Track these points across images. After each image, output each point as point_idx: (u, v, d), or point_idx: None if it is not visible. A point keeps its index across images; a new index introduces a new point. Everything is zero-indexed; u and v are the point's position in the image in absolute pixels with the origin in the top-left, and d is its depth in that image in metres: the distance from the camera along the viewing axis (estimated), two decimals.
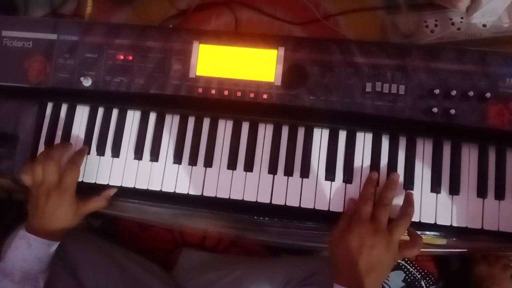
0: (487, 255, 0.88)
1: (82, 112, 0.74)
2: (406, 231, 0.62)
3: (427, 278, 0.91)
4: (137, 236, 1.04)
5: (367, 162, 0.68)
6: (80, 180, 0.70)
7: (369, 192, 0.64)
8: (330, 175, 0.68)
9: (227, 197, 0.69)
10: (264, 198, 0.68)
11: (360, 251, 0.57)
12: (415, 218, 0.64)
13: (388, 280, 0.92)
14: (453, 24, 0.76)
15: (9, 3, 0.92)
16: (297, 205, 0.67)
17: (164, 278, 0.88)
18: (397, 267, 0.92)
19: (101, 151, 0.72)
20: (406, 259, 0.93)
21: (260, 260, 0.92)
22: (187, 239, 1.03)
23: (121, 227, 1.05)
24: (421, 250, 0.69)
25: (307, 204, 0.67)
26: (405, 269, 0.92)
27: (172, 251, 1.02)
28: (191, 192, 0.70)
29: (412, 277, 0.91)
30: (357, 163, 0.68)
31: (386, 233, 0.59)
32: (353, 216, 0.62)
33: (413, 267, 0.92)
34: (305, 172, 0.68)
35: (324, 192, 0.67)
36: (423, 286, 0.91)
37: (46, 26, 0.74)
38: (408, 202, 0.64)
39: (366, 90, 0.67)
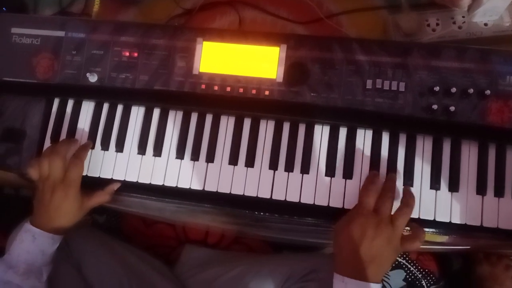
0: (489, 255, 0.88)
1: (87, 108, 0.76)
2: (408, 226, 0.62)
3: (428, 278, 0.91)
4: (141, 233, 1.05)
5: (367, 159, 0.68)
6: (84, 174, 0.72)
7: (371, 184, 0.64)
8: (330, 171, 0.68)
9: (228, 192, 0.70)
10: (264, 194, 0.69)
11: (361, 241, 0.57)
12: (414, 215, 0.64)
13: (388, 279, 0.92)
14: (454, 23, 0.76)
15: (19, 3, 0.94)
16: (297, 200, 0.68)
17: (166, 274, 0.88)
18: (398, 266, 0.92)
19: (105, 146, 0.74)
20: (407, 258, 0.93)
21: (262, 257, 0.93)
22: (189, 236, 1.04)
23: (126, 223, 1.06)
24: (421, 247, 0.69)
25: (307, 199, 0.68)
26: (406, 268, 0.92)
27: (175, 247, 1.03)
28: (193, 187, 0.71)
29: (413, 276, 0.91)
30: (357, 159, 0.68)
31: (389, 225, 0.59)
32: (356, 207, 0.62)
33: (414, 266, 0.92)
34: (305, 168, 0.69)
35: (324, 187, 0.68)
36: (424, 286, 0.91)
37: (54, 23, 0.76)
38: (409, 193, 0.64)
39: (367, 87, 0.68)
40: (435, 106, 0.66)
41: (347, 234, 0.59)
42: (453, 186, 0.66)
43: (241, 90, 0.70)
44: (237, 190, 0.69)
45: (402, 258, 0.94)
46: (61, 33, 0.76)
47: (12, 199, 1.12)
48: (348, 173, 0.68)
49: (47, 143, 0.76)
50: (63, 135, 0.75)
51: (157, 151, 0.72)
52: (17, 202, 1.11)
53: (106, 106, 0.75)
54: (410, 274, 0.92)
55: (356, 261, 0.57)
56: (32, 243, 0.66)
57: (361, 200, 0.62)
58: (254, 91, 0.70)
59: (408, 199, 0.62)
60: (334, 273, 0.59)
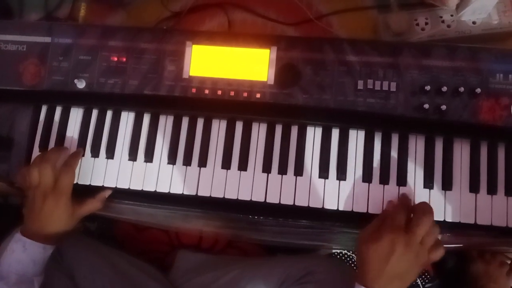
0: (483, 253, 0.89)
1: (76, 114, 0.74)
2: None
3: (423, 276, 0.92)
4: (133, 238, 1.04)
5: (360, 159, 0.68)
6: (75, 182, 0.70)
7: (407, 201, 0.64)
8: (323, 173, 0.68)
9: (221, 196, 0.69)
10: (258, 197, 0.68)
11: (390, 258, 0.56)
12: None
13: None
14: (443, 21, 0.77)
15: (4, 7, 0.92)
16: (291, 203, 0.68)
17: (160, 280, 0.87)
18: None
19: (95, 153, 0.72)
20: None
21: (256, 260, 0.92)
22: (183, 241, 1.03)
23: (117, 229, 1.05)
24: None
25: (301, 202, 0.68)
26: None
27: (168, 252, 1.02)
28: (186, 192, 0.70)
29: None
30: (350, 160, 0.68)
31: (419, 244, 0.58)
32: (386, 220, 0.60)
33: None
34: (299, 170, 0.68)
35: (317, 189, 0.68)
36: (419, 284, 0.91)
37: (40, 29, 0.75)
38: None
39: (358, 87, 0.68)
40: (426, 105, 0.66)
41: (375, 248, 0.57)
42: (446, 185, 0.66)
43: (232, 93, 0.70)
44: (231, 194, 0.69)
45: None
46: (47, 39, 0.74)
47: (0, 207, 1.10)
48: (341, 175, 0.68)
49: (36, 150, 0.74)
50: (51, 142, 0.74)
51: (149, 157, 0.71)
52: (6, 210, 1.09)
53: (95, 112, 0.74)
54: None
55: (381, 275, 0.56)
56: (23, 253, 0.65)
57: (392, 215, 0.60)
58: (245, 94, 0.70)
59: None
60: (355, 283, 0.58)
